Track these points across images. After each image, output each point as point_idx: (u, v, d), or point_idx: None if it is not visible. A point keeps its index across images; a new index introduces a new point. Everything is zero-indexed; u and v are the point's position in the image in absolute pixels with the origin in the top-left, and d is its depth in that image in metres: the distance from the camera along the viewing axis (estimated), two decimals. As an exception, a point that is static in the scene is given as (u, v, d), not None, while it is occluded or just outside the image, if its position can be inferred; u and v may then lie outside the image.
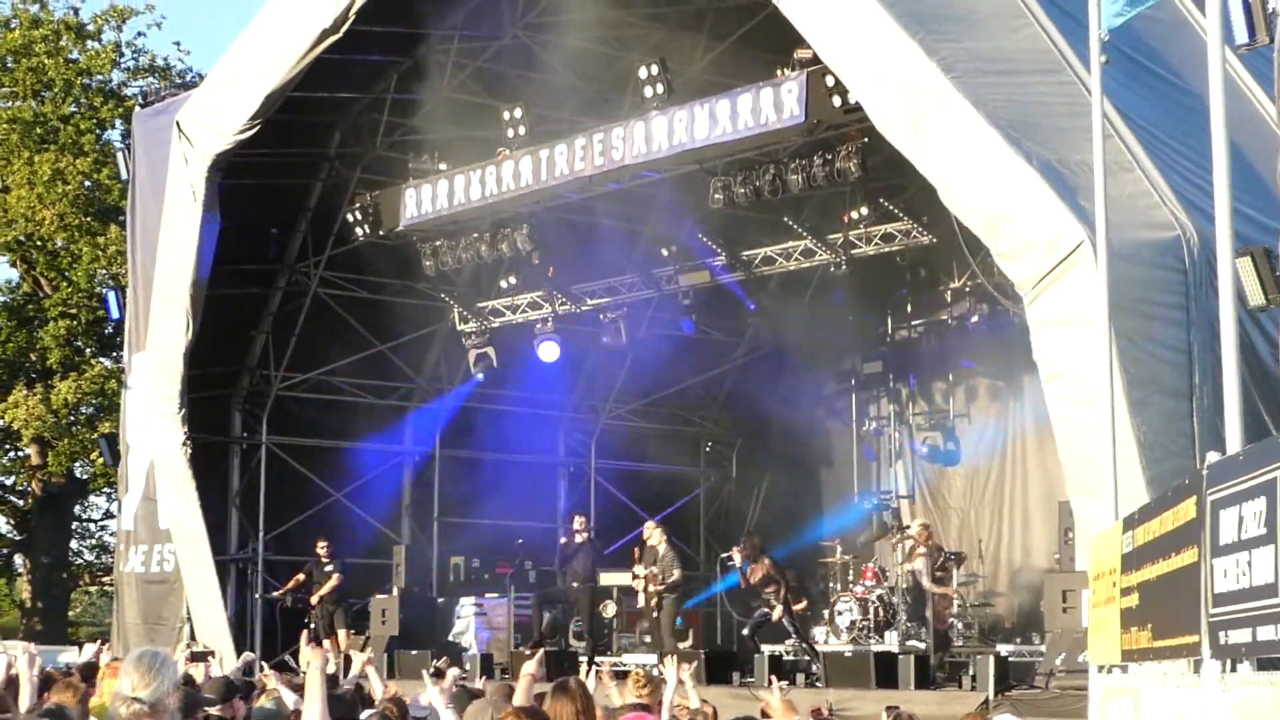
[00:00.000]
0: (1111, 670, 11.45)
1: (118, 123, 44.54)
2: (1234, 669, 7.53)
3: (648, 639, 28.06)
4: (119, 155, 32.86)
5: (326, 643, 28.15)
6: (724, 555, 26.12)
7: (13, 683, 12.43)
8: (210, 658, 17.35)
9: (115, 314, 32.19)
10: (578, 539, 27.22)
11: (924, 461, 31.44)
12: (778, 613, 24.55)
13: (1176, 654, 8.66)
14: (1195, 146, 18.51)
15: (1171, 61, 20.05)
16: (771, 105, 22.19)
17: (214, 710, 12.06)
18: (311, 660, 9.21)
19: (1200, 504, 7.88)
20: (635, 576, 26.29)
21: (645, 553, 26.21)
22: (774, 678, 13.45)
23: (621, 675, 12.59)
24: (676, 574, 25.71)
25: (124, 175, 31.86)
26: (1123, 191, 17.17)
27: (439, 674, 19.31)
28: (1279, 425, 16.99)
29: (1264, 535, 6.83)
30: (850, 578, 27.38)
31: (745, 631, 25.47)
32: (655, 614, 25.85)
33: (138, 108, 32.85)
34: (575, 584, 27.07)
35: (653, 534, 26.25)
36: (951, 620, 25.24)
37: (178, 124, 27.36)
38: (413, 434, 32.56)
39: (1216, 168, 10.06)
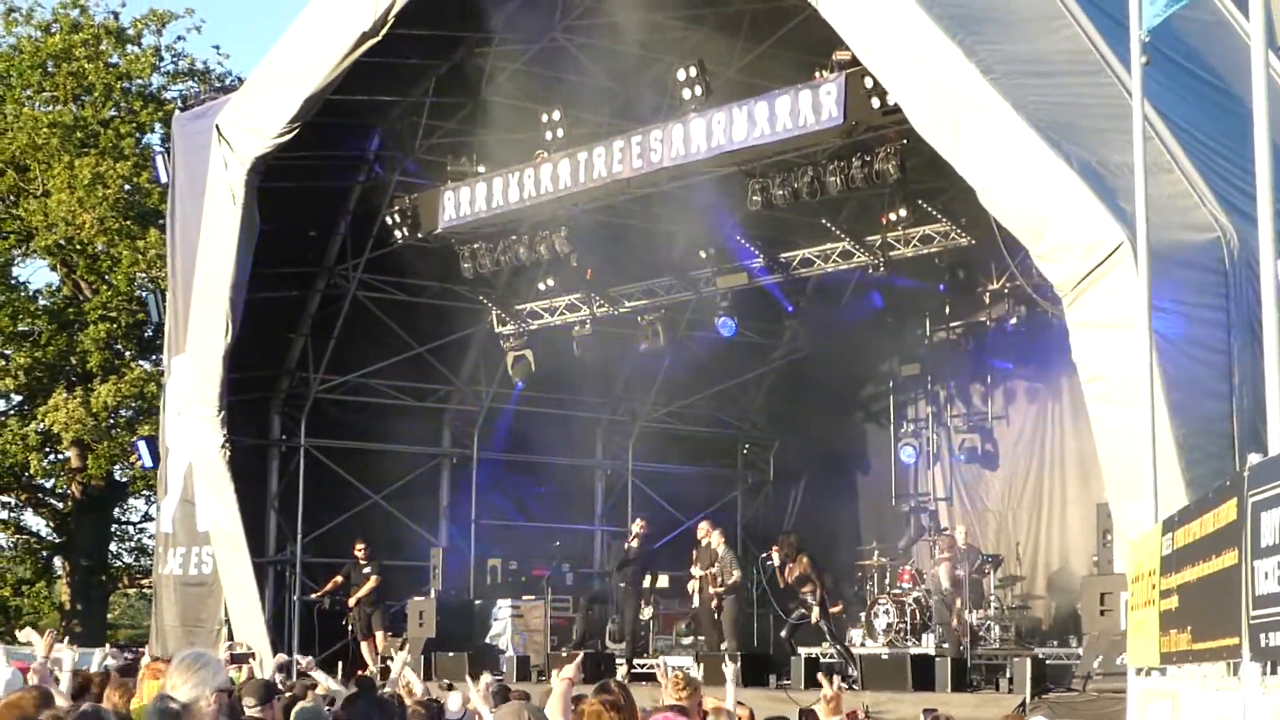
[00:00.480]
0: (1150, 673, 11.40)
1: (157, 126, 44.75)
2: (1275, 671, 7.50)
3: (686, 641, 28.10)
4: (158, 159, 33.00)
5: (364, 645, 28.29)
6: (763, 556, 26.13)
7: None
8: (250, 659, 17.42)
9: (155, 317, 32.43)
10: (636, 543, 27.10)
11: (962, 464, 31.39)
12: (815, 614, 24.53)
13: (1216, 656, 8.62)
14: (1235, 148, 18.44)
15: (1211, 62, 19.96)
16: (810, 107, 22.17)
17: (253, 712, 12.09)
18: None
19: (1241, 506, 7.84)
20: (692, 577, 26.25)
21: (701, 553, 26.14)
22: (828, 678, 13.41)
23: (644, 678, 12.58)
24: (736, 574, 25.64)
25: (163, 179, 32.01)
26: (1162, 193, 17.10)
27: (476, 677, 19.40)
28: (1321, 427, 16.91)
29: (1306, 537, 6.81)
30: (887, 580, 27.40)
31: (783, 634, 25.45)
32: (716, 615, 25.75)
33: (177, 111, 32.96)
34: (623, 584, 27.02)
35: (710, 535, 26.17)
36: (970, 622, 25.15)
37: (217, 127, 27.46)
38: (450, 437, 32.63)
39: (1259, 168, 10.02)
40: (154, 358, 43.53)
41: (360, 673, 21.86)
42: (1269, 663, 7.51)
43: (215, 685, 7.36)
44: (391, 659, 22.19)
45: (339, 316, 30.55)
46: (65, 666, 12.75)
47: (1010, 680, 20.65)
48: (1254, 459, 8.04)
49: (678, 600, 28.96)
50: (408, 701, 13.80)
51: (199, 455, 28.59)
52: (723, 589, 25.47)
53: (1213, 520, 8.65)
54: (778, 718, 12.26)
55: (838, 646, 24.90)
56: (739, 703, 13.80)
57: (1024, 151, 18.18)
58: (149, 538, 47.90)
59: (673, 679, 11.35)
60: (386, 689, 15.71)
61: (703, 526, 26.78)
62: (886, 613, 26.43)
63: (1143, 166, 13.61)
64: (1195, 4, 18.24)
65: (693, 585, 26.28)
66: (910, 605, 26.23)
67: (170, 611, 30.52)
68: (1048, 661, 21.82)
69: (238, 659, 16.58)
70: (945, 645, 24.44)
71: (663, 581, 28.35)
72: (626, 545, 27.48)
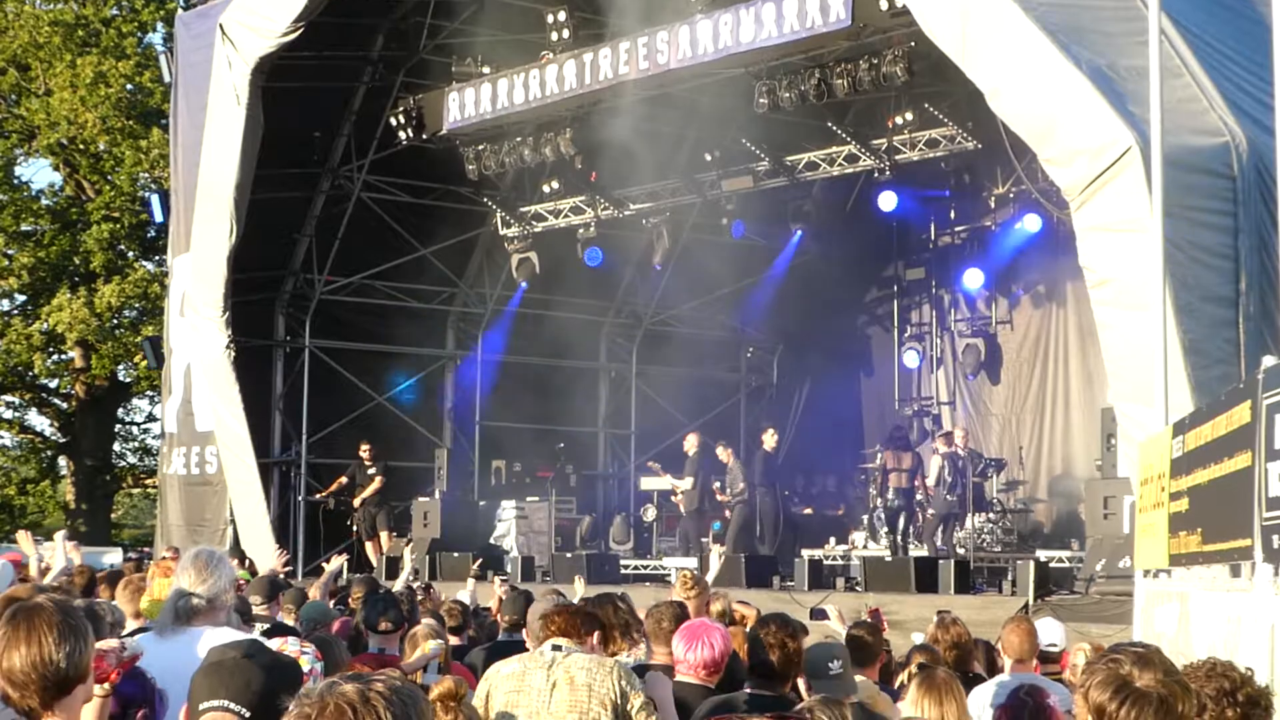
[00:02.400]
0: (1158, 575, 11.47)
1: (160, 25, 44.49)
2: (1286, 573, 7.56)
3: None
4: (161, 58, 32.82)
5: (369, 545, 28.45)
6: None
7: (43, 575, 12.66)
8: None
9: (158, 217, 32.32)
10: (772, 451, 26.78)
11: (965, 368, 31.41)
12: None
13: (1227, 558, 8.67)
14: (1246, 53, 18.37)
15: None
16: (818, 9, 22.00)
17: (260, 610, 12.20)
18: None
19: (1255, 408, 7.87)
20: (677, 489, 26.52)
21: (688, 463, 26.41)
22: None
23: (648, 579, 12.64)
24: (743, 486, 25.87)
25: (166, 78, 31.86)
26: (1172, 97, 17.01)
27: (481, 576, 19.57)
28: (1327, 333, 16.95)
29: (1320, 439, 6.85)
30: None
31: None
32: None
33: (180, 10, 32.83)
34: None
35: (695, 446, 26.60)
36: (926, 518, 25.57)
37: (221, 26, 27.30)
38: (454, 339, 32.68)
39: (1276, 73, 9.98)
40: (157, 258, 43.51)
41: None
42: (1281, 564, 7.57)
43: (229, 581, 7.40)
44: (400, 559, 22.33)
45: (343, 218, 30.52)
46: (57, 565, 12.83)
47: (1013, 583, 20.75)
48: (1268, 361, 8.06)
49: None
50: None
51: (203, 356, 28.60)
52: (731, 498, 25.67)
53: (1225, 423, 8.68)
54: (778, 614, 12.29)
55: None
56: (744, 602, 13.90)
57: (1033, 55, 18.10)
58: (153, 438, 48.12)
59: (680, 578, 11.46)
60: (397, 586, 15.84)
61: (690, 439, 26.91)
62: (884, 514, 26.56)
63: (1158, 71, 13.55)
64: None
65: (678, 497, 26.40)
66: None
67: (175, 511, 30.62)
68: (1050, 565, 21.93)
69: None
70: (964, 549, 24.58)
71: (663, 483, 28.40)
72: (762, 453, 26.97)
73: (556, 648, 7.88)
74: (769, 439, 26.36)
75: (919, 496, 26.00)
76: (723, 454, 26.45)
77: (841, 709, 5.40)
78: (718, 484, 26.43)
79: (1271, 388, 7.67)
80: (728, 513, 26.16)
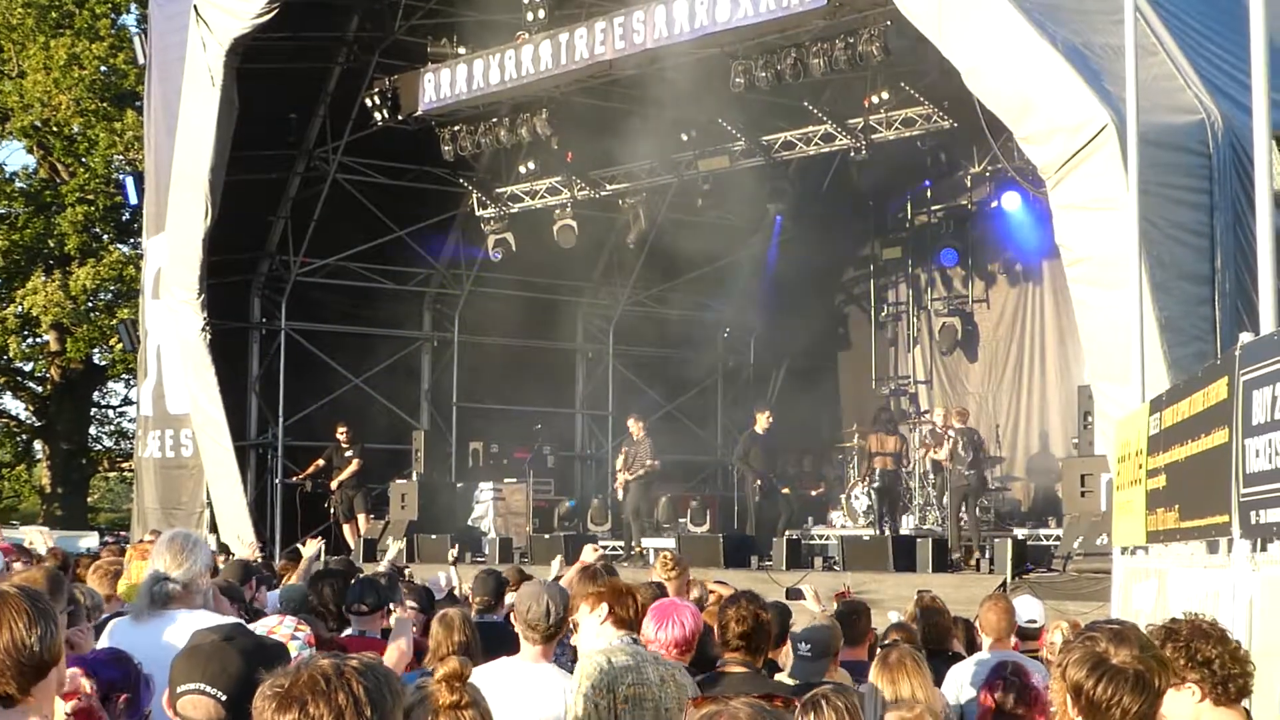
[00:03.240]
0: (1135, 552, 11.50)
1: (134, 7, 44.33)
2: (1264, 549, 7.57)
3: (666, 525, 28.40)
4: (135, 40, 32.71)
5: (346, 527, 28.42)
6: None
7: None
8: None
9: (133, 200, 32.23)
10: (763, 431, 26.73)
11: (942, 347, 31.44)
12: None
13: (1205, 534, 8.69)
14: (1222, 30, 18.41)
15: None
16: (794, -12, 22.02)
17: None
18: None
19: (1232, 384, 7.89)
20: (619, 471, 26.60)
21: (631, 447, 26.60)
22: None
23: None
24: (651, 462, 26.26)
25: (140, 60, 31.74)
26: (1148, 75, 17.02)
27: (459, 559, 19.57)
28: (1302, 310, 16.99)
29: (1297, 415, 6.85)
30: (867, 463, 27.46)
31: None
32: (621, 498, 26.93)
33: (154, -9, 32.61)
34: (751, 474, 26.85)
35: (635, 426, 26.99)
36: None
37: (195, 8, 27.18)
38: (431, 320, 32.64)
39: (1254, 48, 9.97)
40: (132, 241, 43.36)
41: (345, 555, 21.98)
42: (1259, 540, 7.58)
43: (204, 564, 7.37)
44: (377, 541, 22.35)
45: (319, 199, 30.44)
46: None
47: (991, 561, 20.82)
48: (1245, 338, 8.08)
49: (658, 483, 29.17)
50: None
51: (179, 338, 28.53)
52: (631, 476, 25.82)
53: (1202, 399, 8.70)
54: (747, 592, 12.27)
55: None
56: (721, 582, 13.90)
57: (1009, 33, 18.11)
58: (129, 421, 48.00)
59: (660, 559, 11.49)
60: (380, 568, 15.83)
61: (632, 421, 26.99)
62: (867, 494, 26.59)
63: (1133, 49, 13.56)
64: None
65: (621, 479, 26.42)
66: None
67: (150, 494, 30.57)
68: (1027, 542, 21.99)
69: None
70: (941, 528, 24.61)
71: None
72: (753, 433, 26.92)
73: (635, 640, 7.52)
74: (762, 420, 26.28)
75: (938, 472, 26.02)
76: (634, 426, 26.59)
77: (849, 697, 5.43)
78: (621, 457, 26.52)
79: (1248, 364, 7.68)
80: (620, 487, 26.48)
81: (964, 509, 23.90)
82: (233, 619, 6.70)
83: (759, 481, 25.83)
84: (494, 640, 8.76)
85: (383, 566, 16.13)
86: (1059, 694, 4.56)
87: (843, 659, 9.14)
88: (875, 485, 25.91)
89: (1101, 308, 17.33)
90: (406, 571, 17.85)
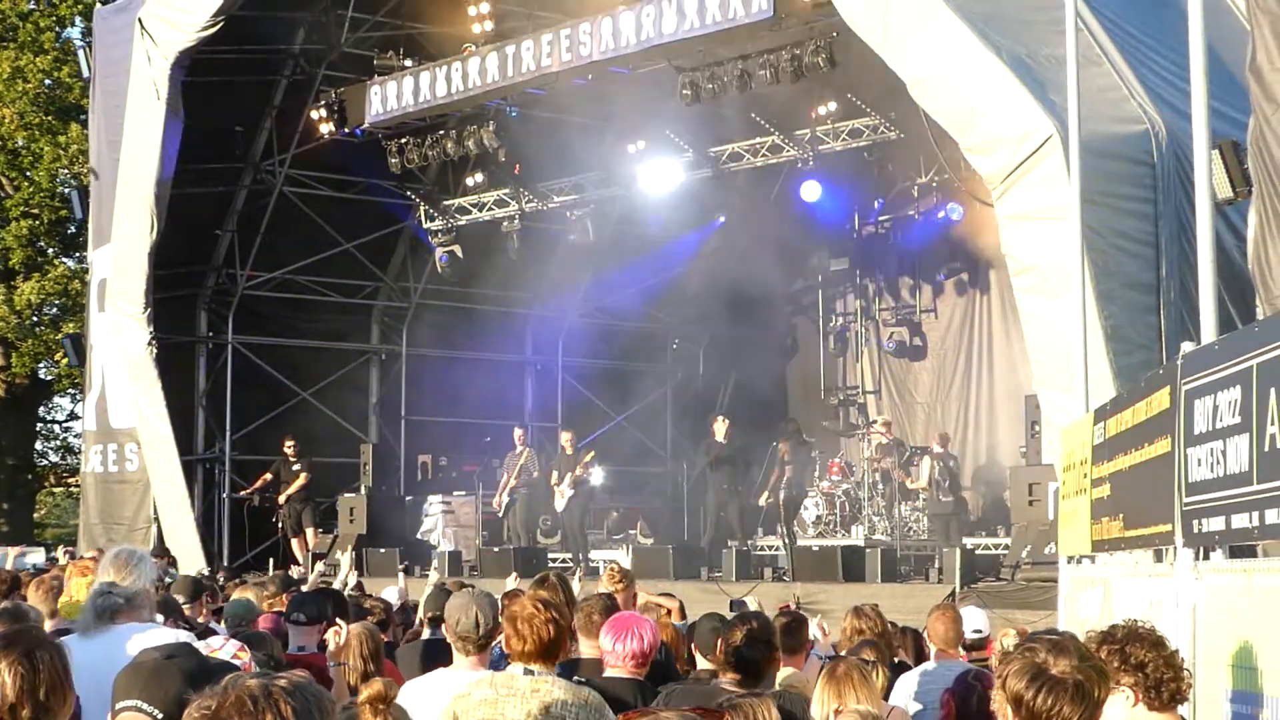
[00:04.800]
0: (1081, 561, 11.53)
1: (78, 20, 44.04)
2: (1206, 557, 7.58)
3: (617, 536, 28.40)
4: (80, 53, 32.54)
5: (294, 542, 28.29)
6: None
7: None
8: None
9: (79, 214, 32.04)
10: (725, 440, 26.68)
11: (890, 357, 31.50)
12: (764, 499, 25.01)
13: (1149, 543, 8.71)
14: (1165, 40, 18.50)
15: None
16: (740, 0, 22.04)
17: (185, 609, 12.08)
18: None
19: (1174, 394, 7.91)
20: (554, 485, 26.56)
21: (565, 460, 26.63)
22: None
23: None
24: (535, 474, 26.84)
25: (85, 73, 31.58)
26: (1092, 85, 17.12)
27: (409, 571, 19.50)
28: (1245, 318, 17.03)
29: (1238, 424, 6.87)
30: (817, 473, 27.48)
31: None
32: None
33: (99, 4, 32.46)
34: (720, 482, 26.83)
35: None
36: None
37: (140, 21, 27.09)
38: (379, 333, 32.56)
39: (1193, 58, 10.02)
40: (78, 255, 43.08)
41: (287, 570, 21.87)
42: (1201, 548, 7.60)
43: (149, 579, 7.35)
44: (325, 556, 22.26)
45: (265, 212, 30.35)
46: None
47: (939, 571, 20.85)
48: (1187, 347, 8.10)
49: (607, 495, 29.15)
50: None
51: (124, 352, 28.38)
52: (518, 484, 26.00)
53: (1145, 409, 8.72)
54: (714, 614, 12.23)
55: (786, 532, 25.14)
56: (667, 594, 13.87)
57: (954, 44, 18.17)
58: (74, 436, 47.66)
59: (608, 571, 11.45)
60: (336, 584, 15.77)
61: (565, 435, 27.03)
62: (816, 505, 26.59)
63: (1075, 58, 13.61)
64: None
65: (559, 491, 26.37)
66: (840, 498, 26.40)
67: (94, 509, 30.39)
68: (976, 552, 22.03)
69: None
70: (890, 538, 24.66)
71: (596, 478, 28.41)
72: (712, 442, 26.89)
73: (529, 672, 6.90)
74: (719, 428, 26.22)
75: (887, 482, 26.08)
76: (565, 440, 26.58)
77: (764, 701, 5.39)
78: (554, 472, 26.52)
79: (1190, 374, 7.70)
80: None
81: (948, 535, 24.08)
82: (182, 638, 6.66)
83: (725, 486, 25.87)
84: (445, 657, 8.69)
85: (337, 583, 16.04)
86: (1000, 705, 4.56)
87: (783, 668, 9.11)
88: (781, 493, 25.78)
89: (1047, 317, 17.38)
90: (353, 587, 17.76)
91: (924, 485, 25.30)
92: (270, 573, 18.76)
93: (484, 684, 6.79)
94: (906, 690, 9.50)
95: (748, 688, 7.67)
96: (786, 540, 24.77)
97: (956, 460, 25.66)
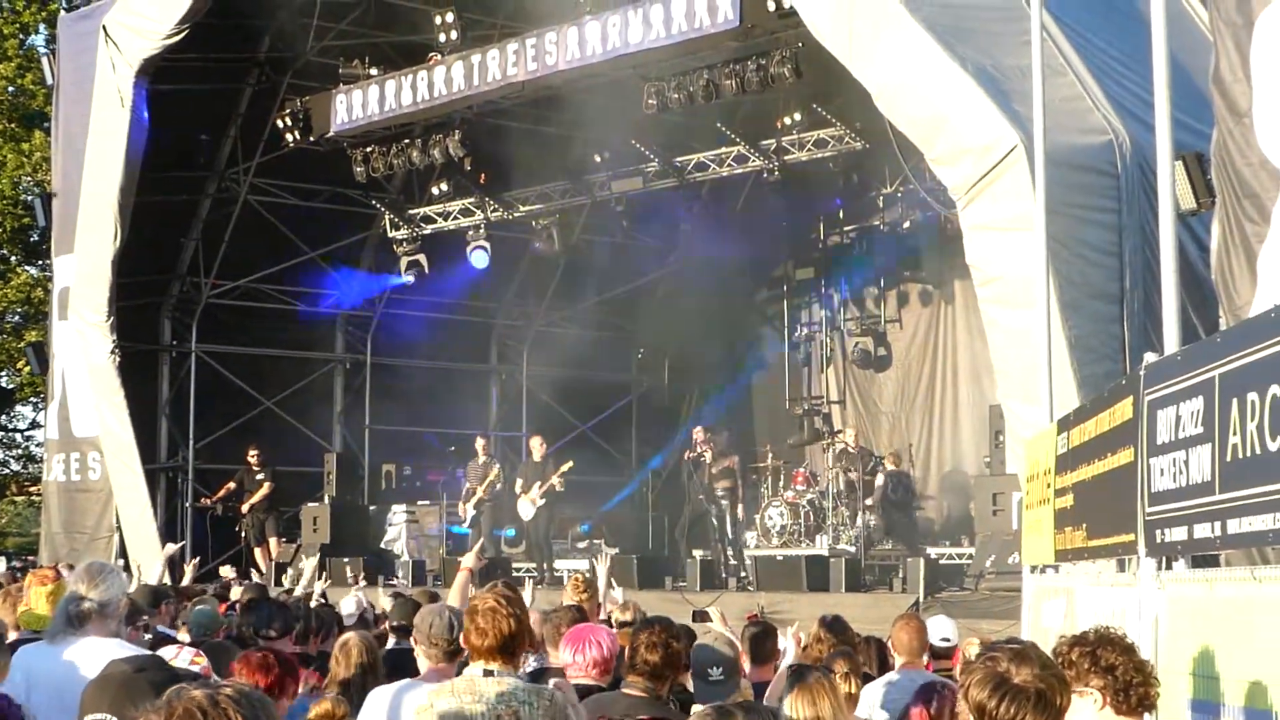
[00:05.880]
0: (1044, 570, 11.56)
1: (42, 27, 43.90)
2: (1169, 567, 7.61)
3: (581, 545, 28.34)
4: (43, 60, 32.41)
5: (258, 551, 28.20)
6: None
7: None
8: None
9: (42, 221, 31.92)
10: (702, 450, 26.62)
11: (856, 366, 31.53)
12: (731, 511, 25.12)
13: (1112, 553, 8.73)
14: (1129, 51, 18.58)
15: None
16: (705, 10, 22.06)
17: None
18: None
19: (1137, 404, 7.93)
20: (525, 491, 26.35)
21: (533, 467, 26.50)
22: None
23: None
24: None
25: (49, 80, 31.46)
26: (1056, 95, 17.17)
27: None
28: (1208, 328, 17.10)
29: (1201, 434, 6.89)
30: (781, 482, 27.49)
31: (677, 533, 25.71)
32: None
33: (62, 12, 32.43)
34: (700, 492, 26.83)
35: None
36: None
37: (104, 28, 27.02)
38: (344, 342, 32.48)
39: (1156, 69, 10.06)
40: (40, 263, 42.93)
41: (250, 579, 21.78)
42: (1164, 558, 7.63)
43: (119, 591, 7.39)
44: (289, 565, 22.17)
45: (230, 221, 30.26)
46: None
47: (904, 580, 20.86)
48: (1150, 358, 8.13)
49: (569, 505, 29.12)
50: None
51: (86, 360, 28.28)
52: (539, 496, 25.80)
53: (1108, 419, 8.74)
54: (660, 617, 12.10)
55: (726, 546, 25.14)
56: (632, 603, 13.85)
57: (919, 55, 18.22)
58: (37, 445, 47.42)
59: (572, 582, 11.45)
60: (298, 593, 15.71)
61: (536, 440, 26.94)
62: (780, 514, 26.57)
63: (1041, 69, 13.65)
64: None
65: (528, 499, 26.30)
66: (804, 507, 26.38)
67: (56, 518, 30.26)
68: (940, 561, 22.06)
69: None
70: (854, 547, 24.70)
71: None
72: (692, 455, 26.64)
73: (489, 673, 6.81)
74: (698, 436, 26.32)
75: (851, 493, 26.13)
76: (536, 446, 26.50)
77: (732, 718, 5.37)
78: (520, 479, 26.44)
79: (1152, 384, 7.73)
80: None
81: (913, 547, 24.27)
82: (147, 651, 6.66)
83: (701, 496, 25.91)
84: (411, 667, 8.69)
85: (299, 591, 15.99)
86: (964, 715, 4.57)
87: (752, 679, 9.12)
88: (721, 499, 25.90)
89: (1012, 327, 17.43)
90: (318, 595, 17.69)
91: (871, 503, 25.44)
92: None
93: (445, 692, 6.76)
94: (872, 700, 9.50)
95: (650, 693, 7.71)
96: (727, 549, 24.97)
97: (909, 477, 25.72)
